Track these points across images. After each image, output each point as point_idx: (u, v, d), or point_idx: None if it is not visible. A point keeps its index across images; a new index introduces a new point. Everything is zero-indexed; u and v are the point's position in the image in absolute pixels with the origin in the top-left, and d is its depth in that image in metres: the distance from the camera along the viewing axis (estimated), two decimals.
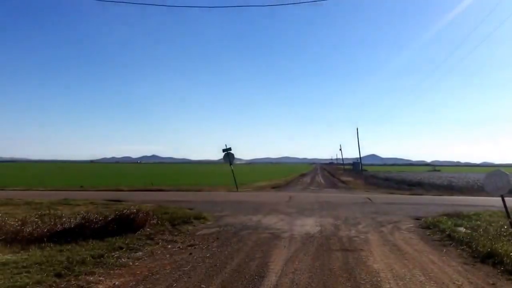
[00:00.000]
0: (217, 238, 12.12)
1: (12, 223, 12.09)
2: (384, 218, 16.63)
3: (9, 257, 9.35)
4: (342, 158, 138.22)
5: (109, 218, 12.61)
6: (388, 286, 7.60)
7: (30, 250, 10.11)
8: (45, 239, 11.05)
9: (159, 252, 10.32)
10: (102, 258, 9.23)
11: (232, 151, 34.96)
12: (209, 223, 15.03)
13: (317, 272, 8.47)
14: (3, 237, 11.05)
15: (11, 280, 7.43)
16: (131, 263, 9.11)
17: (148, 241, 11.42)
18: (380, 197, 28.30)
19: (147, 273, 8.28)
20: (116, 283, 7.60)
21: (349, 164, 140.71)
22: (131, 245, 10.72)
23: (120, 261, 9.19)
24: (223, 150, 34.94)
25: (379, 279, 8.03)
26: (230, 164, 34.88)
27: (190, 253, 10.11)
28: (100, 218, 12.58)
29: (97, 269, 8.44)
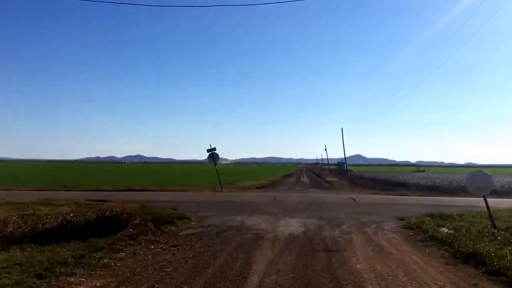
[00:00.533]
0: (200, 239, 12.08)
1: None
2: (368, 219, 16.71)
3: None
4: (327, 158, 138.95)
5: (92, 219, 12.51)
6: (371, 286, 7.63)
7: (11, 250, 9.95)
8: (26, 239, 10.90)
9: (141, 252, 10.25)
10: (83, 259, 9.14)
11: (217, 151, 34.89)
12: (192, 223, 14.97)
13: (300, 273, 8.47)
14: None
15: None
16: (113, 264, 9.03)
17: (131, 242, 11.33)
18: (364, 197, 28.47)
19: (129, 274, 8.22)
20: (97, 284, 7.53)
21: (334, 164, 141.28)
22: (113, 246, 10.62)
23: (102, 261, 9.09)
24: (208, 150, 34.85)
25: (361, 279, 8.06)
26: (215, 164, 34.80)
27: (173, 254, 10.06)
28: (83, 219, 12.47)
29: (78, 270, 8.35)
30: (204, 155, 35.71)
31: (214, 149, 34.79)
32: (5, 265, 8.44)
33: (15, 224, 12.00)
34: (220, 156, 35.80)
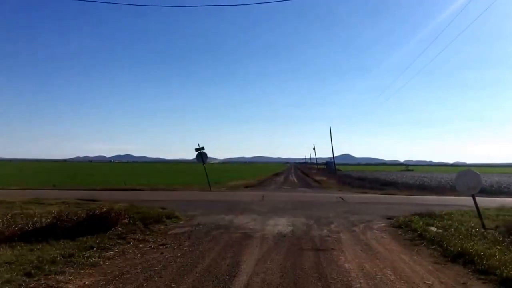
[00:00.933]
0: (189, 238, 12.11)
1: None
2: (357, 218, 16.81)
3: None
4: (316, 158, 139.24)
5: (81, 218, 12.50)
6: (359, 285, 7.70)
7: (1, 249, 9.96)
8: (16, 238, 10.91)
9: (130, 251, 10.27)
10: (72, 258, 9.16)
11: (205, 151, 34.89)
12: (181, 222, 14.99)
13: (289, 272, 8.53)
14: None
15: None
16: (101, 263, 9.05)
17: (120, 241, 11.35)
18: (353, 196, 28.58)
19: (117, 273, 8.25)
20: (86, 282, 7.55)
21: (322, 163, 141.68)
22: (102, 245, 10.64)
23: (91, 260, 9.11)
24: (196, 150, 34.83)
25: (350, 278, 8.13)
26: (203, 164, 34.79)
27: (162, 253, 10.10)
28: (72, 218, 12.45)
29: (67, 268, 8.38)
30: (193, 154, 35.71)
31: (203, 148, 34.79)
32: None
33: (5, 223, 12.00)
34: (208, 155, 35.83)
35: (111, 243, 10.94)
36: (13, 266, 8.30)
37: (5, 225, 11.78)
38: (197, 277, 8.03)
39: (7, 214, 13.57)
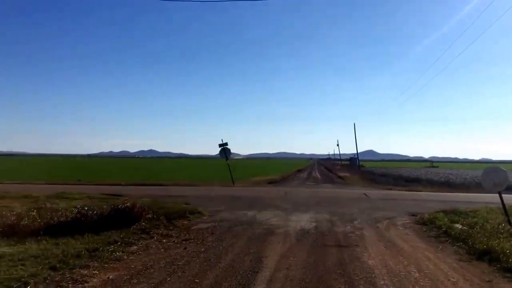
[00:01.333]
0: (212, 233, 12.13)
1: (9, 216, 12.14)
2: (380, 214, 16.64)
3: (5, 250, 9.40)
4: (339, 154, 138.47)
5: (105, 212, 12.64)
6: (382, 282, 7.61)
7: (27, 243, 10.14)
8: (41, 232, 11.10)
9: (154, 246, 10.34)
10: (97, 252, 9.27)
11: (228, 146, 34.94)
12: (204, 217, 15.03)
13: (312, 268, 8.48)
14: (0, 229, 11.10)
15: (7, 273, 7.47)
16: (125, 257, 9.12)
17: (143, 235, 11.43)
18: (376, 193, 28.34)
19: (141, 267, 8.30)
20: (110, 276, 7.61)
21: (346, 159, 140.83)
22: (126, 239, 10.74)
23: (115, 255, 9.20)
24: (219, 145, 34.90)
25: (373, 275, 8.04)
26: (226, 159, 34.86)
27: (185, 248, 10.13)
28: (96, 212, 12.60)
29: (91, 262, 8.47)
30: (216, 150, 35.81)
31: (226, 144, 34.85)
32: (20, 257, 8.58)
33: (31, 217, 12.20)
34: (231, 151, 35.85)
35: (135, 238, 11.03)
36: (39, 260, 8.42)
37: (31, 219, 11.99)
38: (220, 272, 8.03)
39: (33, 209, 13.79)
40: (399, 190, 32.38)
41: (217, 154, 36.54)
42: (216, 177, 43.25)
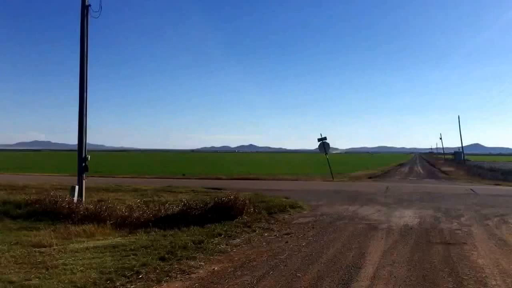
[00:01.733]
0: (313, 227, 12.13)
1: (121, 208, 12.97)
2: (490, 211, 15.74)
3: (118, 240, 10.09)
4: (443, 148, 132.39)
5: (209, 206, 13.06)
6: (494, 282, 7.20)
7: (137, 234, 10.82)
8: (150, 224, 11.75)
9: (256, 239, 10.52)
10: (202, 244, 9.63)
11: (327, 141, 34.69)
12: (304, 212, 15.07)
13: (416, 265, 8.21)
14: (114, 221, 11.89)
15: (120, 262, 7.99)
16: (229, 250, 9.37)
17: (246, 229, 11.67)
18: (484, 188, 26.82)
19: (244, 260, 8.48)
20: (215, 268, 7.86)
21: (450, 153, 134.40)
22: (229, 232, 11.05)
23: (219, 247, 9.50)
24: (318, 140, 34.75)
25: (483, 275, 7.63)
26: (325, 154, 34.64)
27: (286, 242, 10.21)
28: (201, 206, 13.06)
29: (197, 254, 8.80)
30: (314, 145, 35.71)
31: (325, 138, 34.64)
32: (132, 248, 9.15)
33: (141, 210, 12.93)
34: (330, 145, 35.56)
35: (237, 231, 11.30)
36: (149, 250, 8.92)
37: (141, 212, 12.70)
38: (322, 267, 8.01)
39: (142, 201, 14.61)
40: (509, 185, 30.40)
41: (315, 149, 36.43)
42: (315, 171, 43.18)
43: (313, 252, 9.15)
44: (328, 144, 34.78)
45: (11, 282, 6.67)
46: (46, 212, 12.77)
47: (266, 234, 11.16)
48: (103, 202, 13.82)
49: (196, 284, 6.89)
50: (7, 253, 8.59)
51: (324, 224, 12.67)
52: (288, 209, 15.04)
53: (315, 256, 8.85)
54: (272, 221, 12.99)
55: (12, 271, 7.41)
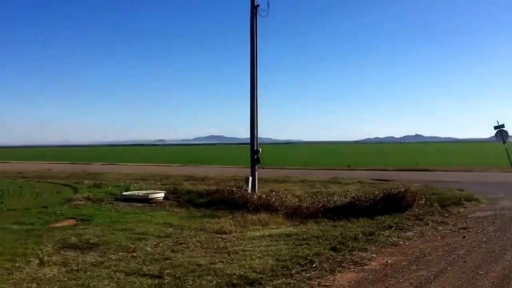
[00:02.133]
0: (493, 222, 11.26)
1: (290, 198, 13.41)
2: None
3: (291, 229, 10.50)
4: None
5: (378, 197, 12.87)
6: None
7: (308, 224, 11.09)
8: (319, 214, 11.96)
9: (429, 233, 10.12)
10: (372, 236, 9.55)
11: (505, 128, 31.90)
12: (482, 205, 14.09)
13: None
14: (285, 211, 12.36)
15: (294, 251, 8.28)
16: (401, 243, 9.15)
17: (417, 222, 11.30)
18: None
19: (418, 254, 8.21)
20: (388, 261, 7.71)
21: None
22: (400, 225, 10.79)
23: (390, 239, 9.32)
24: (495, 127, 32.10)
25: None
26: (504, 142, 31.90)
27: (464, 237, 9.63)
28: (369, 197, 12.94)
29: (368, 246, 8.74)
30: (490, 133, 33.10)
31: (503, 125, 31.86)
32: (304, 237, 9.43)
33: (309, 200, 13.22)
34: (510, 133, 32.66)
35: (408, 224, 10.99)
36: (320, 240, 9.10)
37: (310, 202, 12.98)
38: (507, 265, 7.39)
39: (310, 192, 14.92)
40: None
41: (490, 137, 33.78)
42: (492, 162, 40.00)
43: (495, 249, 8.50)
44: (506, 132, 31.97)
45: (199, 265, 7.30)
46: (224, 201, 13.84)
47: (440, 228, 10.67)
48: (274, 193, 14.40)
49: (370, 276, 6.84)
50: (193, 238, 9.47)
51: (506, 219, 11.69)
52: (463, 202, 14.20)
53: (498, 253, 8.21)
54: (446, 214, 12.39)
55: (199, 254, 8.14)
